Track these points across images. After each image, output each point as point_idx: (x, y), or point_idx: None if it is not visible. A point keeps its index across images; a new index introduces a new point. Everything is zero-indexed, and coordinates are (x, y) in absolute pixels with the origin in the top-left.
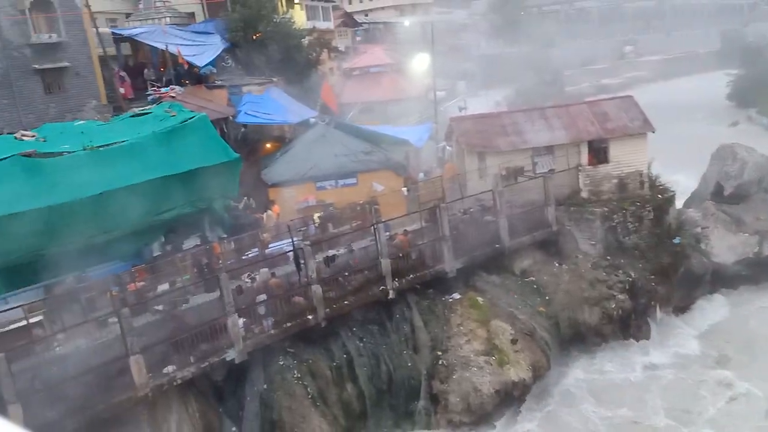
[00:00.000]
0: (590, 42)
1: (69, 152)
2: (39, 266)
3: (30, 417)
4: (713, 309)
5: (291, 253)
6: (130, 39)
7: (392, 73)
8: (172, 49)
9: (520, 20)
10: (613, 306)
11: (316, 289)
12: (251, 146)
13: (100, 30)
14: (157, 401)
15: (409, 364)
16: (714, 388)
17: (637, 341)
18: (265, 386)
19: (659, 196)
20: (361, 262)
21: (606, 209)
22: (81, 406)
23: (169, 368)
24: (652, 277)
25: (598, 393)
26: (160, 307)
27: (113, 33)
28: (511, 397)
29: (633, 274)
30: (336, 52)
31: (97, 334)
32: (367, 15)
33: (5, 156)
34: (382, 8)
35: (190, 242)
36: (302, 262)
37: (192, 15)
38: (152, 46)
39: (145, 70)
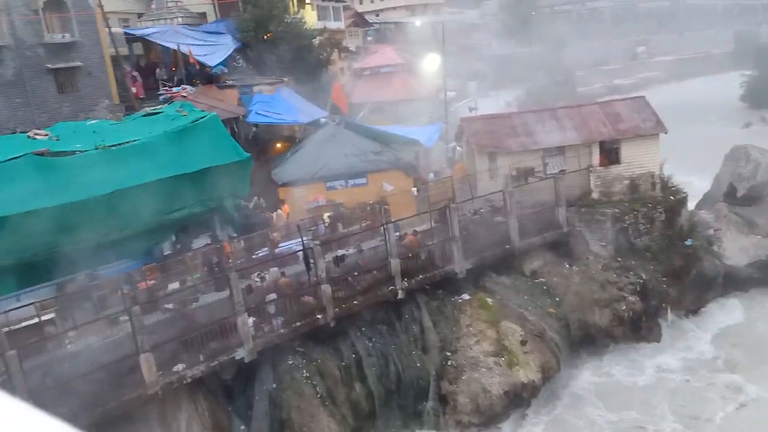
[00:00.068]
0: (602, 42)
1: (81, 151)
2: (51, 264)
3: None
4: (725, 312)
5: (301, 252)
6: (142, 39)
7: (403, 73)
8: (184, 49)
9: (532, 20)
10: (624, 308)
11: (326, 289)
12: (262, 146)
13: (113, 30)
14: (167, 399)
15: (418, 365)
16: (724, 393)
17: (648, 343)
18: (274, 385)
19: (671, 197)
20: (371, 262)
21: (617, 210)
22: (92, 403)
23: (179, 366)
24: (664, 279)
25: (606, 396)
26: (170, 306)
27: (125, 33)
28: (520, 399)
29: (644, 276)
30: (347, 52)
31: (108, 332)
32: (378, 15)
33: (18, 155)
34: (393, 8)
35: (201, 241)
36: (312, 261)
37: (204, 15)
38: (164, 46)
39: (157, 70)
